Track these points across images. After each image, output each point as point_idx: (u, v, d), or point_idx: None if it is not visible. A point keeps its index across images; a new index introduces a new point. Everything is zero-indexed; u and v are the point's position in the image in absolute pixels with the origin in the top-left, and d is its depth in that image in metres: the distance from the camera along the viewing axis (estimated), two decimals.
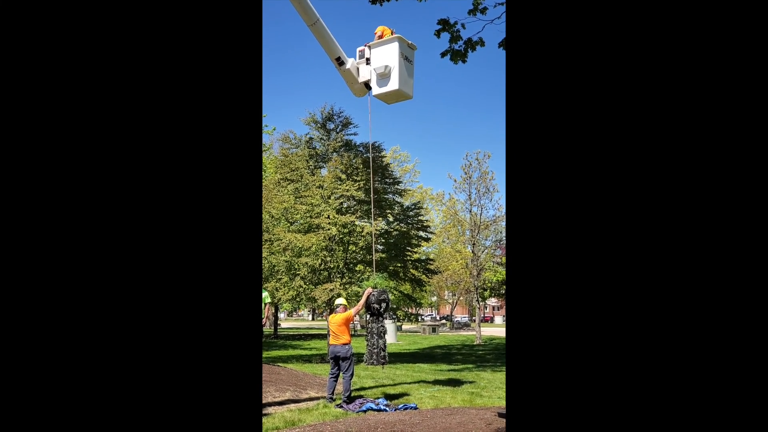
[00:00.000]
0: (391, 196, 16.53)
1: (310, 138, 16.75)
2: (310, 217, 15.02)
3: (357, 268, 15.45)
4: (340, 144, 16.15)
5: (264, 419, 6.00)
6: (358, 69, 7.49)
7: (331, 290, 13.92)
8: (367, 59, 7.42)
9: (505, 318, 41.52)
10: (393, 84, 7.14)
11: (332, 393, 7.35)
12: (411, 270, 16.06)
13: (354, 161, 15.35)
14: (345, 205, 15.31)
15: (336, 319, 7.55)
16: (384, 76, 7.19)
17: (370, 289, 7.84)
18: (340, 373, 7.46)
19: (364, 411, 6.61)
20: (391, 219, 16.31)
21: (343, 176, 15.16)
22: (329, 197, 15.09)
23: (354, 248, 15.42)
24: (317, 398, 7.64)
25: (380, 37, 7.39)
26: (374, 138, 22.44)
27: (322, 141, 16.65)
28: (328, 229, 14.40)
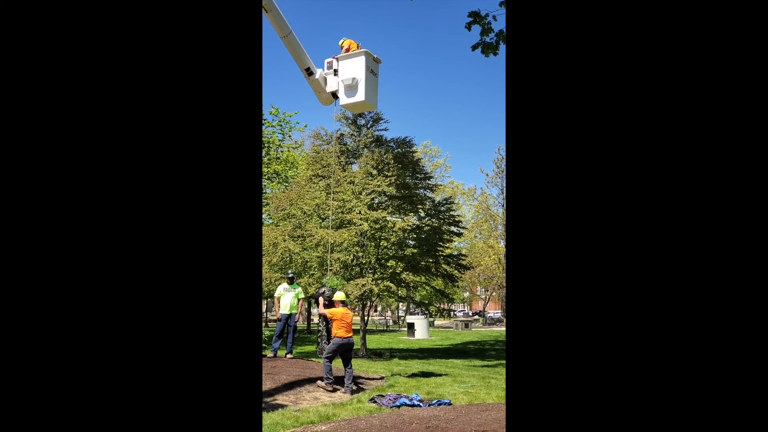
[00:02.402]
0: (422, 191, 16.46)
1: (341, 134, 16.81)
2: (342, 212, 15.09)
3: (389, 264, 15.43)
4: (370, 140, 16.16)
5: (298, 413, 6.06)
6: (325, 79, 7.96)
7: (363, 285, 13.97)
8: (335, 70, 7.90)
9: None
10: (359, 95, 7.64)
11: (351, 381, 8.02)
12: (443, 265, 15.98)
13: (385, 157, 15.34)
14: (376, 201, 15.32)
15: (349, 314, 8.14)
16: (351, 88, 7.68)
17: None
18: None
19: (398, 406, 6.62)
20: (422, 214, 16.25)
21: (374, 172, 15.16)
22: (360, 193, 15.12)
23: (386, 244, 15.43)
24: (343, 388, 7.70)
25: (346, 49, 7.88)
26: (405, 133, 22.46)
27: (353, 137, 16.70)
28: (360, 225, 14.45)
